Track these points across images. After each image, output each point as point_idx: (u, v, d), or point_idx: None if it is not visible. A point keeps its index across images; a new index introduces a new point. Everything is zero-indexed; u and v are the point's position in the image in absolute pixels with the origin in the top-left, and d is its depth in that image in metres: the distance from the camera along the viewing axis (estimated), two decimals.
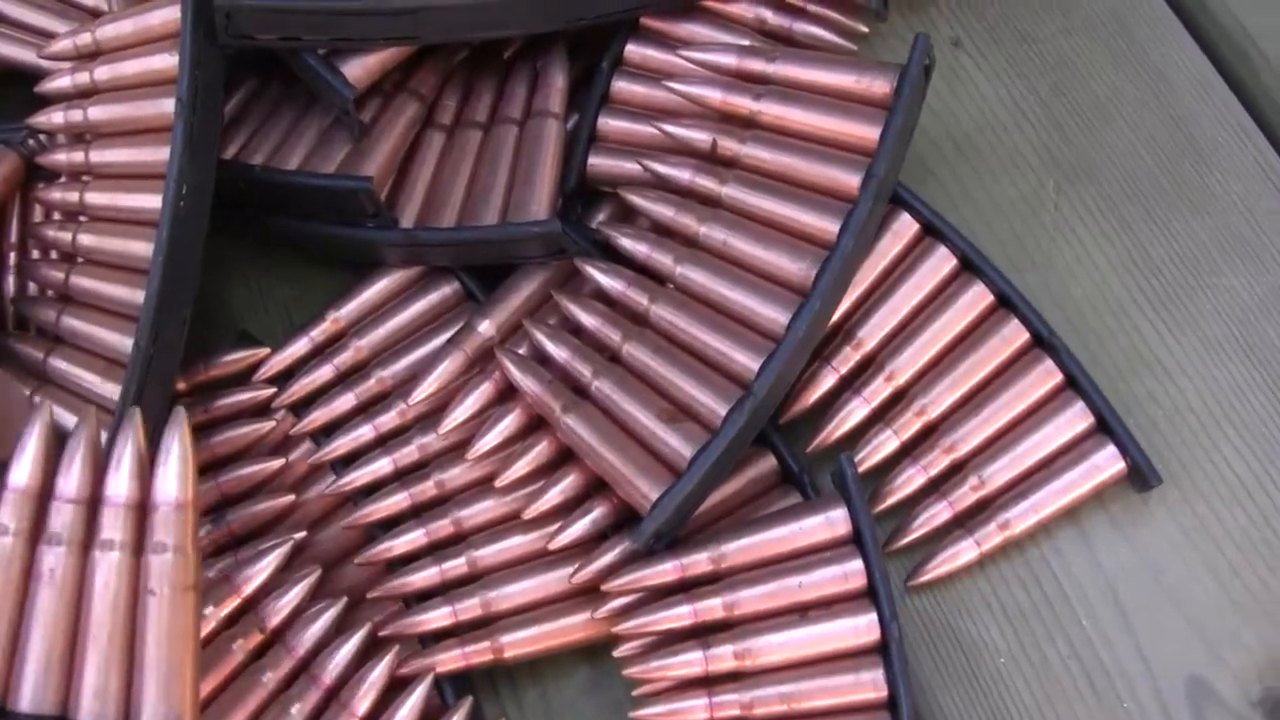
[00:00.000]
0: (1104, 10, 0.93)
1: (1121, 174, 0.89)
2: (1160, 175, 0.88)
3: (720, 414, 0.75)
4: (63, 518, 0.60)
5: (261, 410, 0.85)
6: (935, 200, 0.86)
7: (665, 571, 0.75)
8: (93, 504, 0.61)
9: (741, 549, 0.76)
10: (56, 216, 0.86)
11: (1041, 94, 0.91)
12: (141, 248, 0.80)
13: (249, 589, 0.77)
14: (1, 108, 0.96)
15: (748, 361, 0.76)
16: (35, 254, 0.89)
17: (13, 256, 0.90)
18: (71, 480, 0.61)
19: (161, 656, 0.60)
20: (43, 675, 0.59)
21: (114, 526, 0.60)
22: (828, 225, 0.77)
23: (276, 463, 0.83)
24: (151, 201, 0.80)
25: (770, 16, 0.89)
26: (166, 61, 0.82)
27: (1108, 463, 0.79)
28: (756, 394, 0.74)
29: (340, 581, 0.81)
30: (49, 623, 0.60)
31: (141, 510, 0.61)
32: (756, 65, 0.82)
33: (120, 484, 0.60)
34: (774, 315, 0.76)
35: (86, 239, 0.83)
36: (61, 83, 0.85)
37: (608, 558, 0.77)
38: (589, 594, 0.77)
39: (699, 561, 0.76)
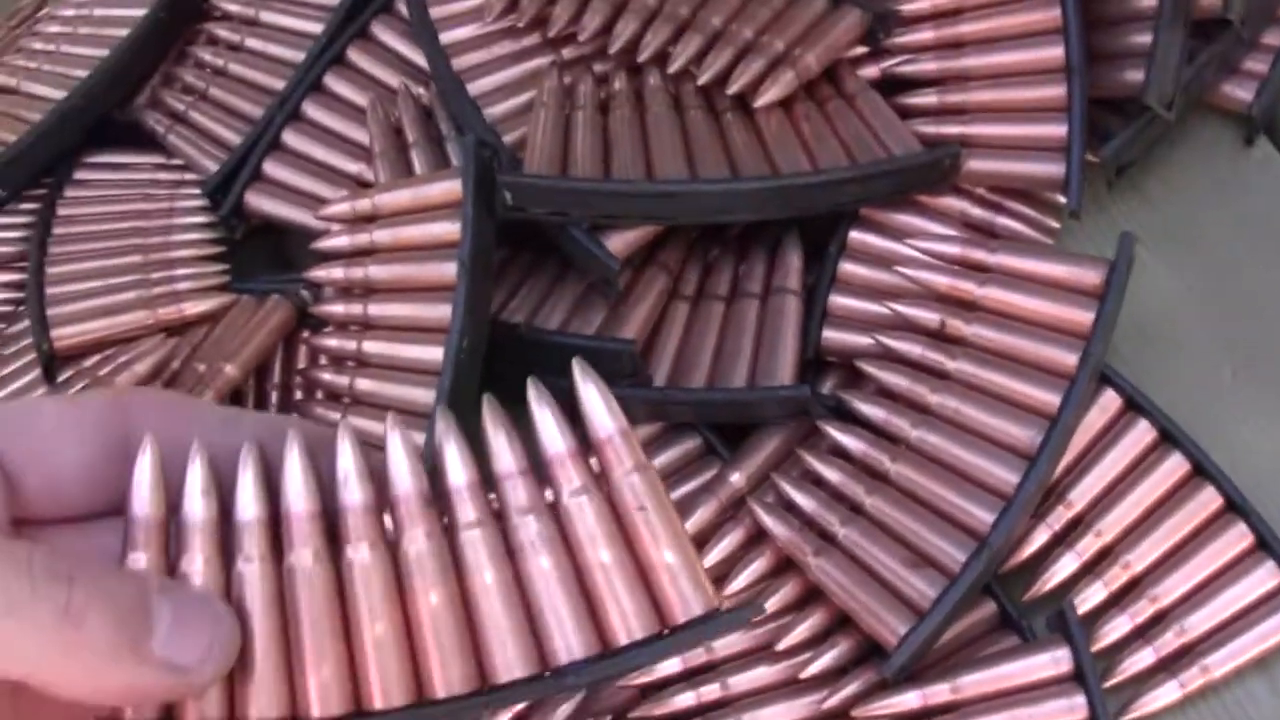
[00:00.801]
0: (1269, 214, 1.03)
1: None
2: None
3: (959, 560, 0.83)
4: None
5: None
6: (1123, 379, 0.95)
7: (909, 700, 0.84)
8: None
9: (976, 682, 0.84)
10: (325, 362, 0.95)
11: (1214, 286, 1.00)
12: (421, 394, 0.88)
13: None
14: (251, 261, 1.06)
15: (983, 515, 0.84)
16: (299, 395, 0.98)
17: (274, 395, 0.99)
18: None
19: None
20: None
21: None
22: (1049, 397, 0.87)
23: None
24: (430, 353, 0.88)
25: (973, 210, 0.99)
26: (445, 228, 0.91)
27: None
28: (992, 544, 0.83)
29: (599, 703, 0.88)
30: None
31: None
32: (978, 255, 0.92)
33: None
34: (1005, 475, 0.85)
35: (364, 384, 0.91)
36: (340, 241, 0.94)
37: (853, 687, 0.85)
38: None
39: (940, 691, 0.84)
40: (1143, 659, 0.87)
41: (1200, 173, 1.05)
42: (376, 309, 0.92)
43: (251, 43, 1.13)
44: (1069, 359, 0.88)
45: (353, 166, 1.04)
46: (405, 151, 1.02)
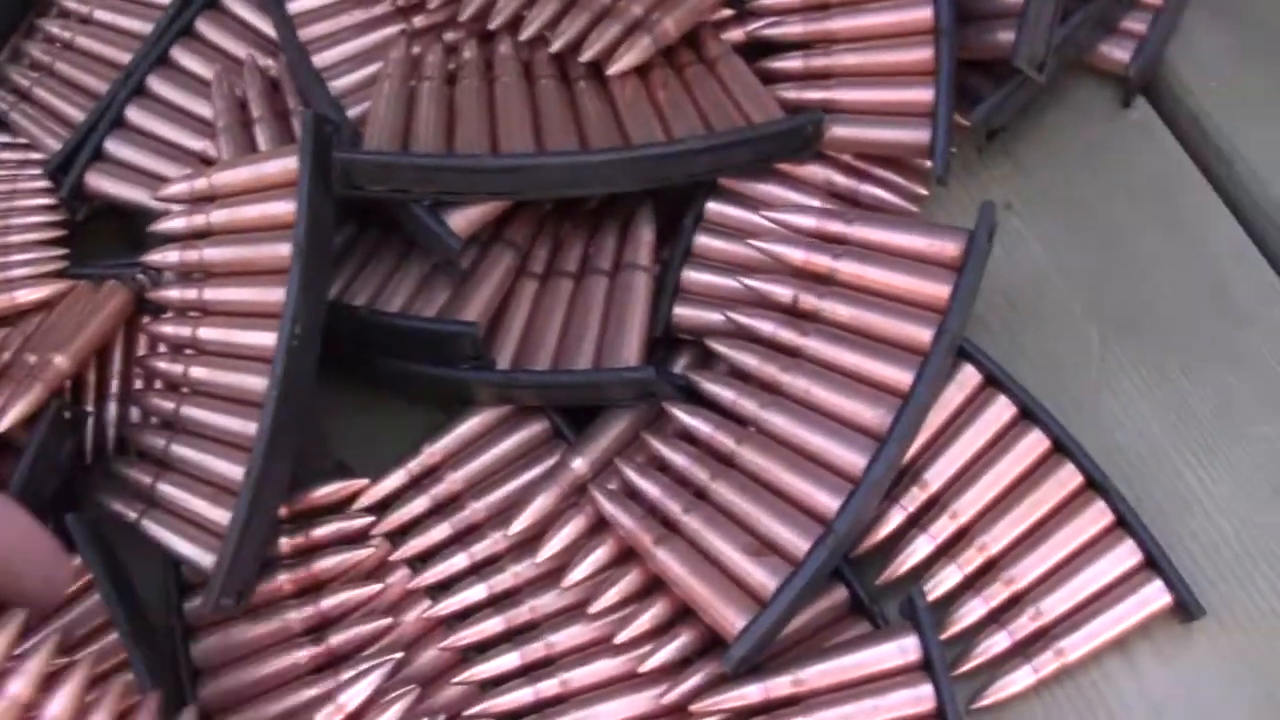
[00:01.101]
0: (1145, 179, 1.00)
1: (1162, 330, 0.95)
2: (1198, 332, 0.94)
3: (802, 548, 0.80)
4: None
5: (359, 538, 0.90)
6: (988, 351, 0.92)
7: (751, 694, 0.81)
8: None
9: (820, 673, 0.81)
10: (162, 349, 0.91)
11: (1087, 254, 0.97)
12: (255, 382, 0.85)
13: (351, 706, 0.82)
14: (97, 242, 1.02)
15: (829, 500, 0.81)
16: (139, 384, 0.95)
17: (114, 384, 0.95)
18: None
19: None
20: None
21: None
22: (902, 376, 0.84)
23: (374, 587, 0.88)
24: (265, 339, 0.85)
25: (838, 178, 0.96)
26: (283, 208, 0.87)
27: (1155, 596, 0.84)
28: (838, 531, 0.80)
29: (435, 701, 0.86)
30: None
31: None
32: (835, 226, 0.88)
33: None
34: (853, 458, 0.82)
35: (199, 372, 0.88)
36: (176, 223, 0.90)
37: (695, 680, 0.82)
38: (676, 715, 0.82)
39: (781, 684, 0.81)
40: (997, 643, 0.85)
41: (1075, 136, 1.02)
42: (212, 293, 0.88)
43: (100, 14, 1.09)
44: (925, 335, 0.84)
45: (198, 144, 1.01)
46: (249, 128, 0.99)
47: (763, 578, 0.81)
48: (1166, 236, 0.98)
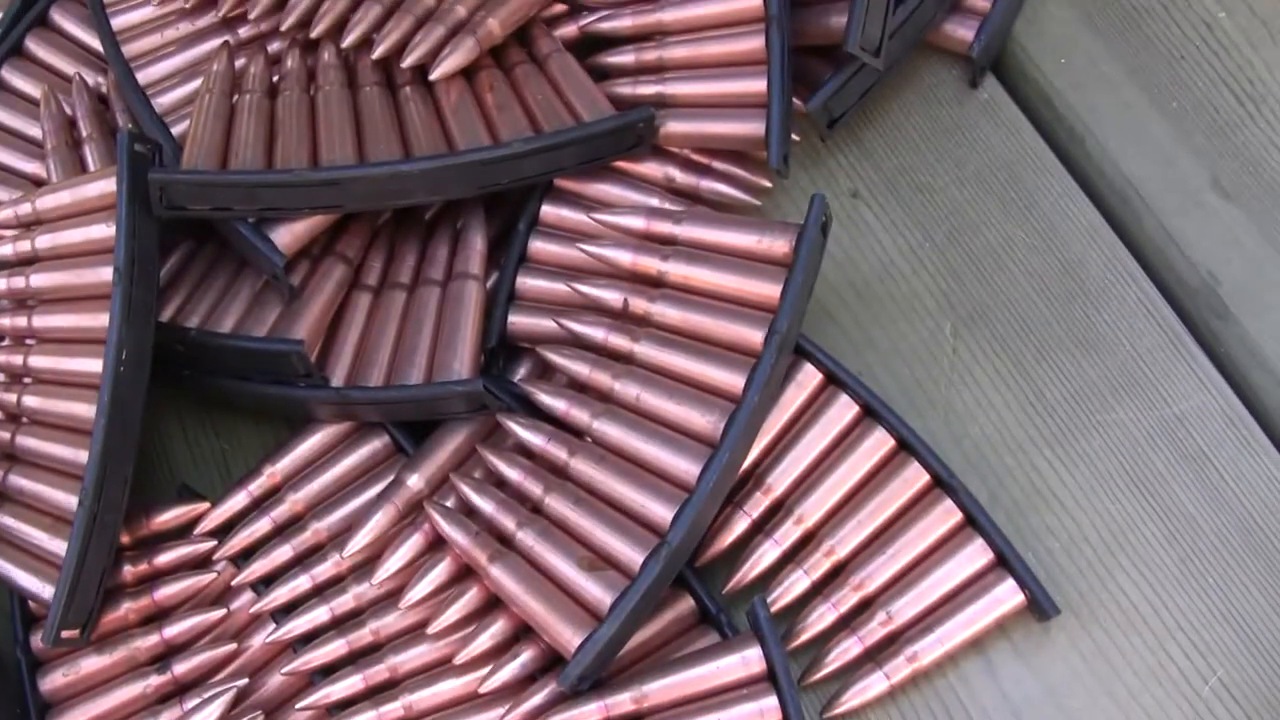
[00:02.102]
0: (995, 161, 0.97)
1: (1015, 317, 0.93)
2: (1051, 317, 0.92)
3: (638, 562, 0.78)
4: None
5: (203, 562, 0.88)
6: (838, 346, 0.90)
7: (590, 712, 0.79)
8: None
9: (662, 689, 0.79)
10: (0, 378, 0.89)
11: (937, 242, 0.95)
12: (85, 409, 0.83)
13: None
14: None
15: (663, 511, 0.79)
16: None
17: None
18: None
19: None
20: None
21: None
22: (734, 379, 0.81)
23: (218, 613, 0.86)
24: (93, 365, 0.83)
25: (678, 175, 0.93)
26: (104, 231, 0.85)
27: (1008, 596, 0.82)
28: (671, 542, 0.78)
29: None
30: None
31: None
32: (664, 227, 0.86)
33: None
34: (686, 466, 0.80)
35: (31, 400, 0.86)
36: (4, 250, 0.88)
37: (536, 699, 0.80)
38: None
39: (622, 702, 0.79)
40: (848, 650, 0.83)
41: (923, 120, 0.99)
42: (41, 320, 0.86)
43: None
44: (756, 336, 0.82)
45: (29, 166, 0.98)
46: (79, 148, 0.97)
47: (598, 593, 0.79)
48: (1018, 220, 0.96)
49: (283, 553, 0.87)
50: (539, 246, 0.92)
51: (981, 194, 0.96)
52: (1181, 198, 0.95)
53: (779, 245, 0.84)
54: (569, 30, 0.96)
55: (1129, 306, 0.92)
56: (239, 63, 0.94)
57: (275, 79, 0.94)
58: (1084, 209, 0.96)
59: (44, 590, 0.83)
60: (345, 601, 0.86)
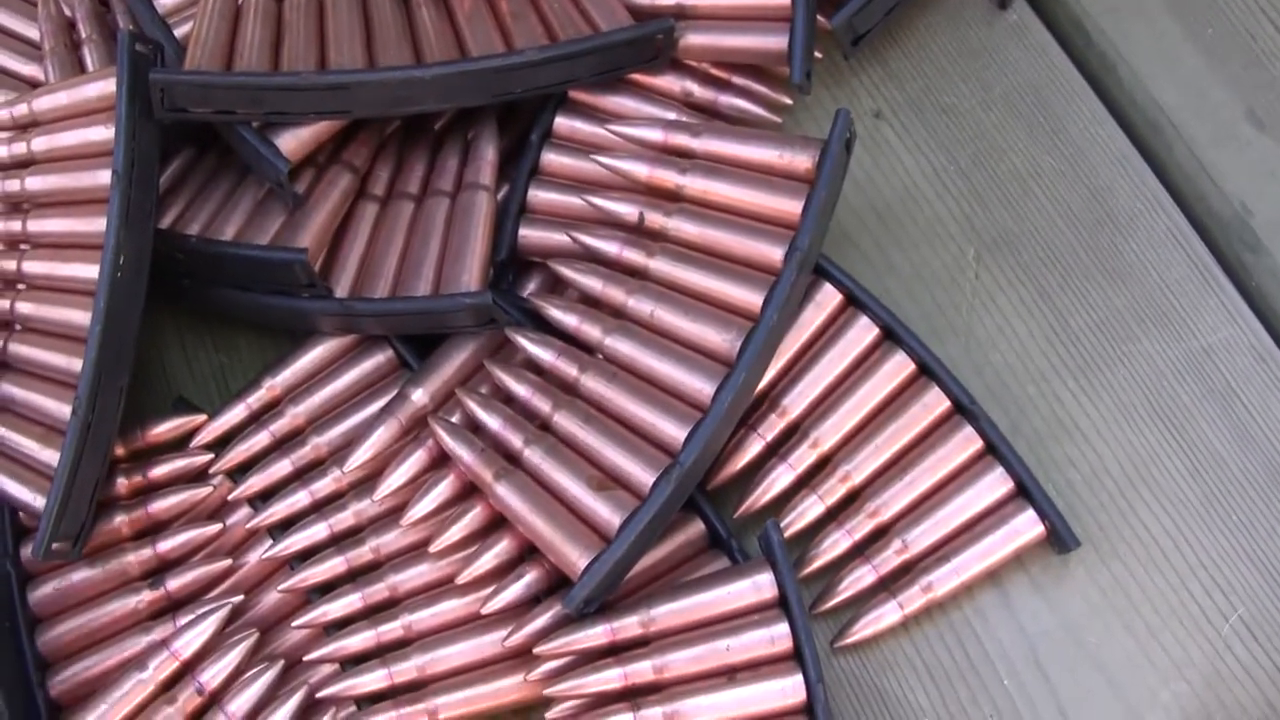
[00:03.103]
0: (1024, 84, 0.95)
1: (1040, 244, 0.90)
2: (1077, 245, 0.90)
3: (648, 482, 0.76)
4: None
5: (199, 476, 0.86)
6: (858, 270, 0.87)
7: (596, 635, 0.77)
8: None
9: (670, 613, 0.77)
10: None
11: (962, 165, 0.93)
12: (80, 316, 0.81)
13: (187, 653, 0.79)
14: None
15: (675, 431, 0.77)
16: None
17: None
18: None
19: None
20: None
21: None
22: (752, 297, 0.79)
23: (214, 527, 0.84)
24: (89, 271, 0.81)
25: (696, 89, 0.91)
26: (103, 134, 0.83)
27: (1027, 526, 0.80)
28: (683, 463, 0.75)
29: (278, 645, 0.82)
30: None
31: None
32: (682, 140, 0.84)
33: None
34: (700, 385, 0.78)
35: (25, 307, 0.83)
36: None
37: (540, 622, 0.78)
38: (522, 657, 0.78)
39: (629, 625, 0.77)
40: (862, 578, 0.81)
41: (949, 40, 0.97)
42: (36, 225, 0.84)
43: None
44: (776, 253, 0.80)
45: (27, 69, 0.96)
46: (78, 50, 0.94)
47: (606, 513, 0.76)
48: (1045, 145, 0.93)
49: (281, 467, 0.85)
50: (552, 159, 0.89)
51: (1008, 118, 0.94)
52: (1215, 128, 0.93)
53: (801, 160, 0.81)
54: None
55: (1158, 236, 0.90)
56: None
57: None
58: (1114, 136, 0.93)
59: (35, 501, 0.80)
60: (345, 518, 0.83)
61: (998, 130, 0.94)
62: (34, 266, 0.84)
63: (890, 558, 0.81)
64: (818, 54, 0.91)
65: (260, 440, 0.86)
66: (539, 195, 0.88)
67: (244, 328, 0.92)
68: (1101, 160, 0.92)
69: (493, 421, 0.80)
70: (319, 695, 0.79)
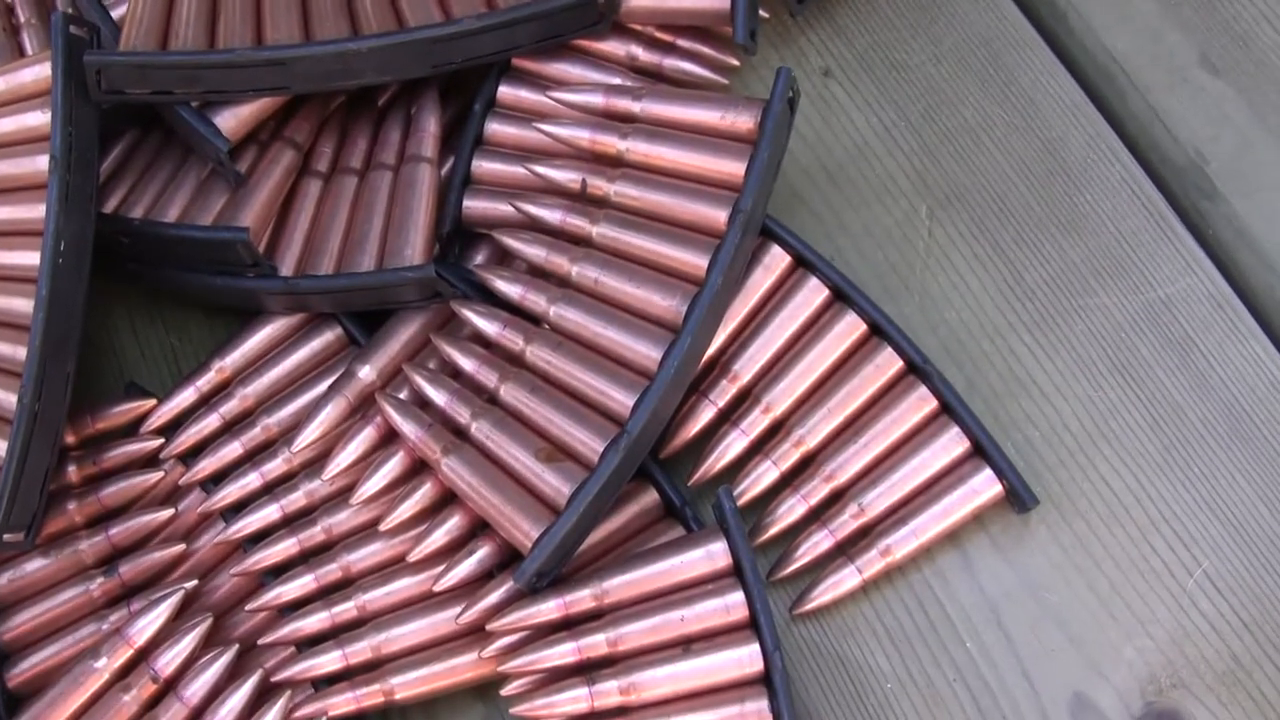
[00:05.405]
0: (973, 37, 0.94)
1: (993, 198, 0.89)
2: (1031, 198, 0.89)
3: (598, 452, 0.75)
4: None
5: (150, 461, 0.85)
6: (809, 229, 0.87)
7: (549, 610, 0.76)
8: None
9: (623, 584, 0.76)
10: None
11: (913, 121, 0.92)
12: (23, 304, 0.80)
13: (141, 640, 0.78)
14: None
15: (623, 399, 0.76)
16: None
17: None
18: None
19: None
20: None
21: None
22: (697, 261, 0.78)
23: (166, 513, 0.83)
24: (30, 258, 0.80)
25: (641, 53, 0.90)
26: (41, 119, 0.82)
27: (985, 486, 0.79)
28: (631, 431, 0.75)
29: (232, 629, 0.82)
30: None
31: None
32: (624, 104, 0.83)
33: None
34: (647, 352, 0.77)
35: None
36: None
37: (493, 597, 0.77)
38: (477, 634, 0.78)
39: (582, 598, 0.76)
40: (819, 543, 0.80)
41: None
42: None
43: None
44: (720, 216, 0.79)
45: None
46: (16, 35, 0.93)
47: (556, 484, 0.75)
48: (996, 98, 0.92)
49: (232, 450, 0.84)
50: (496, 128, 0.88)
51: (959, 71, 0.93)
52: (1168, 74, 0.92)
53: (743, 121, 0.80)
54: None
55: (1112, 186, 0.89)
56: None
57: None
58: (1066, 86, 0.92)
59: None
60: (296, 499, 0.82)
61: (948, 84, 0.93)
62: None
63: (847, 522, 0.80)
64: (764, 13, 0.90)
65: (211, 423, 0.85)
66: (484, 165, 0.87)
67: (195, 310, 0.91)
68: (1054, 111, 0.91)
69: (439, 396, 0.79)
70: (274, 679, 0.78)
